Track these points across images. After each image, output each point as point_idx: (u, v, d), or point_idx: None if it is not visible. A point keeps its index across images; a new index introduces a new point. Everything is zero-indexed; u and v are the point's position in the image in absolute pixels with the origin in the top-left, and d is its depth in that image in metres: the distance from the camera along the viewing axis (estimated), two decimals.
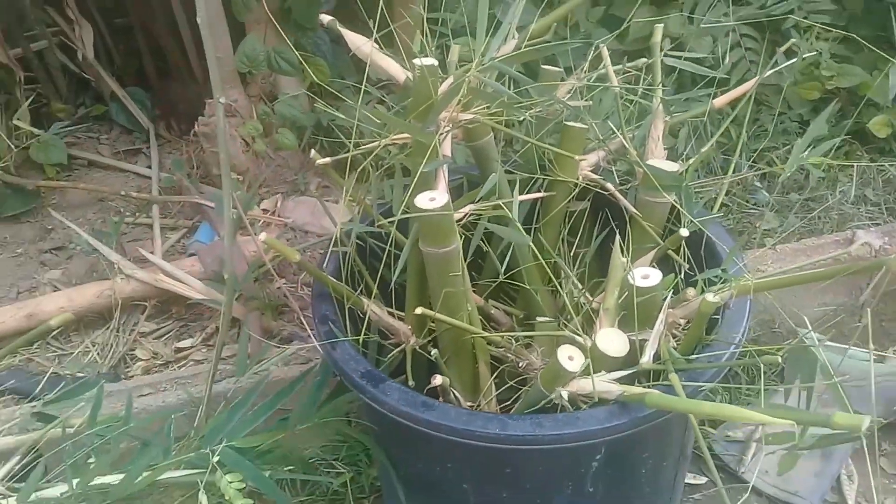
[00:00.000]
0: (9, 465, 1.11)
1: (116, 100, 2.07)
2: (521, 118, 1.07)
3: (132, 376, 1.53)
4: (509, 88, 1.23)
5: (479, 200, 1.07)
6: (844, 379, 0.83)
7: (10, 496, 1.09)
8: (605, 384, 0.90)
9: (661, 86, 1.17)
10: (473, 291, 1.19)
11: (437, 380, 0.95)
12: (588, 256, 1.17)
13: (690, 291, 0.94)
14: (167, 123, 2.12)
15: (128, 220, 1.83)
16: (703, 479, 1.46)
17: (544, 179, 1.14)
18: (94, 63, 1.99)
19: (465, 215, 1.04)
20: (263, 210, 1.79)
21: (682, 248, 1.06)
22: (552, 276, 1.15)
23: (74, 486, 0.98)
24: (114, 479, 1.03)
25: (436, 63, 0.95)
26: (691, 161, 1.10)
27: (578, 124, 1.12)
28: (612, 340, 0.94)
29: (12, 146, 1.84)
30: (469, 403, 1.12)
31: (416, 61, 0.95)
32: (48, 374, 1.44)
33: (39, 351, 1.57)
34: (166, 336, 1.60)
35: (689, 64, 1.22)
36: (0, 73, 1.94)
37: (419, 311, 0.99)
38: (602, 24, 1.92)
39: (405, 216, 0.97)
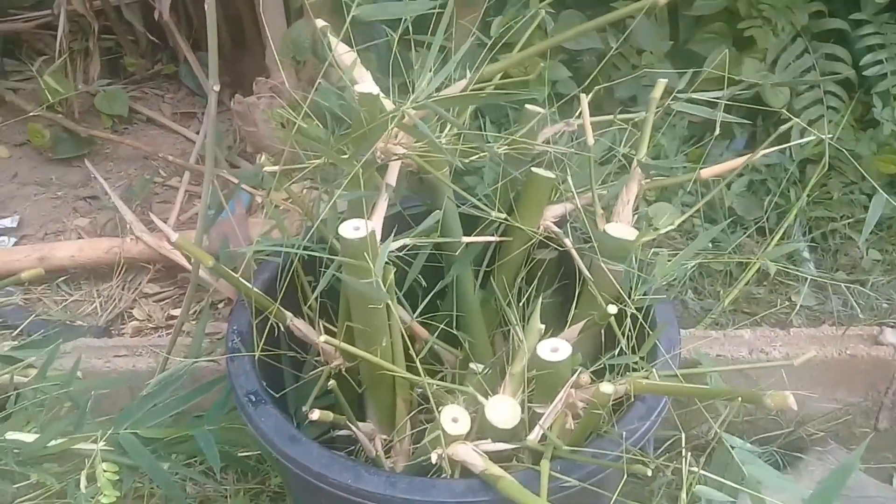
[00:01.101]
0: None
1: (187, 62, 2.13)
2: (473, 158, 1.02)
3: (123, 334, 1.60)
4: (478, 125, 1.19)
5: (420, 236, 1.04)
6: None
7: None
8: (472, 454, 0.85)
9: (647, 145, 1.09)
10: (423, 324, 1.16)
11: (315, 414, 0.93)
12: (531, 309, 1.12)
13: (584, 378, 0.87)
14: (232, 93, 2.16)
15: (165, 183, 1.89)
16: None
17: (500, 224, 1.09)
18: (169, 23, 2.06)
19: (398, 249, 1.02)
20: (289, 197, 1.80)
21: (625, 326, 0.99)
22: (503, 321, 1.11)
23: None
24: (26, 437, 1.07)
25: (375, 92, 0.92)
26: (659, 230, 1.02)
27: (545, 172, 1.07)
28: (500, 410, 0.89)
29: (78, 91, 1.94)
30: (383, 437, 1.10)
31: (357, 87, 0.93)
32: (30, 318, 1.52)
33: (49, 293, 1.66)
34: (165, 301, 1.65)
35: (702, 109, 1.12)
36: (82, 22, 2.04)
37: (323, 338, 0.97)
38: (668, 58, 1.82)
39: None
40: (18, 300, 1.61)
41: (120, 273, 1.66)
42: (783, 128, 1.08)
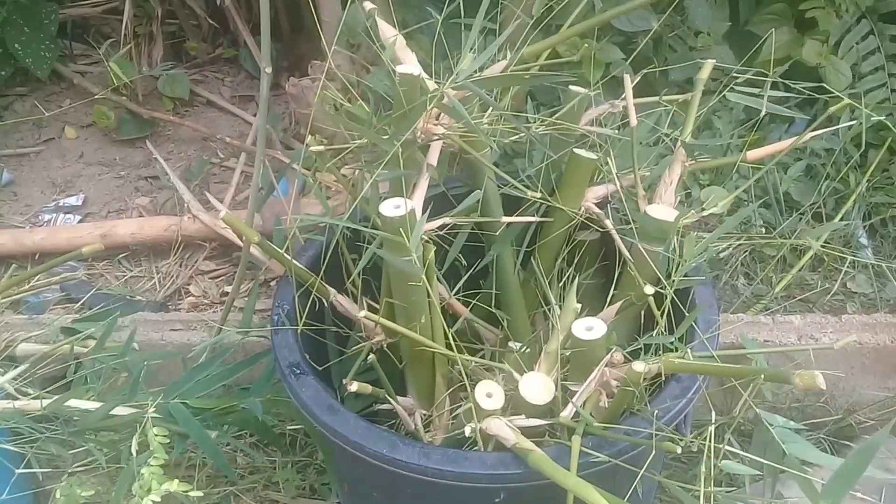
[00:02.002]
0: (21, 368, 1.23)
1: (246, 47, 2.18)
2: (515, 138, 1.03)
3: (180, 309, 1.65)
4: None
5: (460, 215, 1.05)
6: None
7: (15, 398, 1.22)
8: (504, 429, 0.87)
9: (693, 126, 1.08)
10: (465, 303, 1.18)
11: (353, 386, 0.96)
12: (568, 289, 1.12)
13: (618, 356, 0.88)
14: (289, 76, 2.20)
15: (223, 164, 1.94)
16: None
17: (542, 205, 1.09)
18: (229, 8, 2.11)
19: (438, 228, 1.03)
20: (334, 180, 1.84)
21: (664, 307, 0.99)
22: (543, 302, 1.12)
23: (43, 406, 1.08)
24: (88, 404, 1.12)
25: (416, 73, 0.93)
26: (688, 213, 1.01)
27: (587, 153, 1.07)
28: (534, 386, 0.90)
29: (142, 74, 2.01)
30: (423, 412, 1.12)
31: (398, 68, 0.94)
32: (91, 292, 1.58)
33: (111, 268, 1.73)
34: (220, 278, 1.70)
35: (751, 100, 1.11)
36: (147, 7, 2.10)
37: (363, 313, 0.99)
38: (727, 40, 1.78)
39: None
40: (82, 275, 1.68)
41: (178, 250, 1.71)
42: (833, 109, 1.05)
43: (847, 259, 1.65)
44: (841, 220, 1.67)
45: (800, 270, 1.58)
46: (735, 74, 1.08)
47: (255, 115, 2.05)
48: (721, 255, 1.61)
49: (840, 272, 1.63)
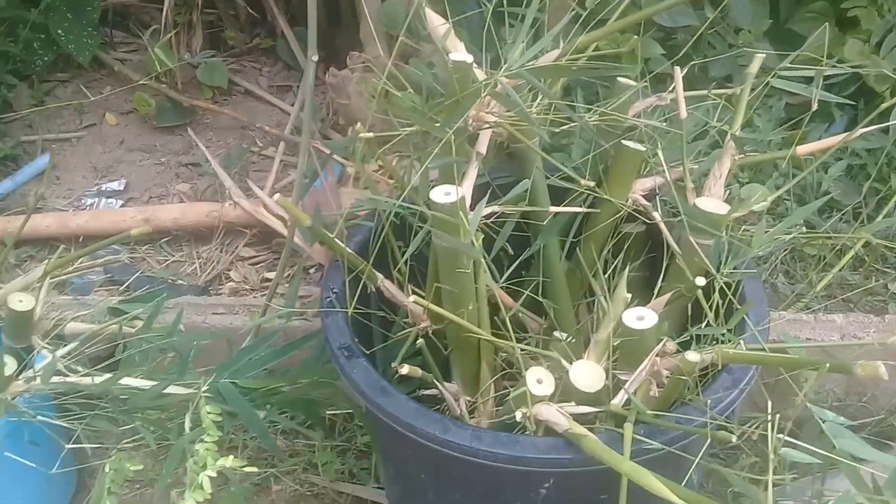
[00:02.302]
0: (70, 346, 1.26)
1: (284, 37, 2.20)
2: (564, 127, 1.03)
3: (220, 294, 1.67)
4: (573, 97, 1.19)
5: (510, 204, 1.06)
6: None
7: (65, 375, 1.24)
8: (556, 414, 0.88)
9: (742, 119, 1.08)
10: (509, 293, 1.19)
11: (405, 368, 0.97)
12: (618, 279, 1.13)
13: (670, 345, 0.88)
14: (325, 68, 2.22)
15: (261, 152, 1.97)
16: None
17: (588, 195, 1.10)
18: None
19: (486, 216, 1.04)
20: (380, 166, 1.85)
21: (713, 300, 1.00)
22: (587, 292, 1.13)
23: (95, 382, 1.10)
24: (139, 383, 1.14)
25: (469, 60, 0.94)
26: (740, 206, 1.02)
27: (635, 145, 1.08)
28: (585, 374, 0.91)
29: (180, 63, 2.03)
30: (467, 398, 1.13)
31: (451, 56, 0.95)
32: (136, 275, 1.60)
33: (153, 253, 1.75)
34: (260, 264, 1.72)
35: (802, 87, 1.10)
36: None
37: (413, 298, 1.01)
38: (766, 37, 1.78)
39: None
40: (125, 258, 1.70)
41: (219, 236, 1.74)
42: (884, 105, 1.05)
43: (889, 259, 1.65)
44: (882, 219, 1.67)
45: (840, 270, 1.57)
46: (781, 68, 1.08)
47: (292, 105, 2.07)
48: (760, 253, 1.61)
49: (882, 273, 1.63)
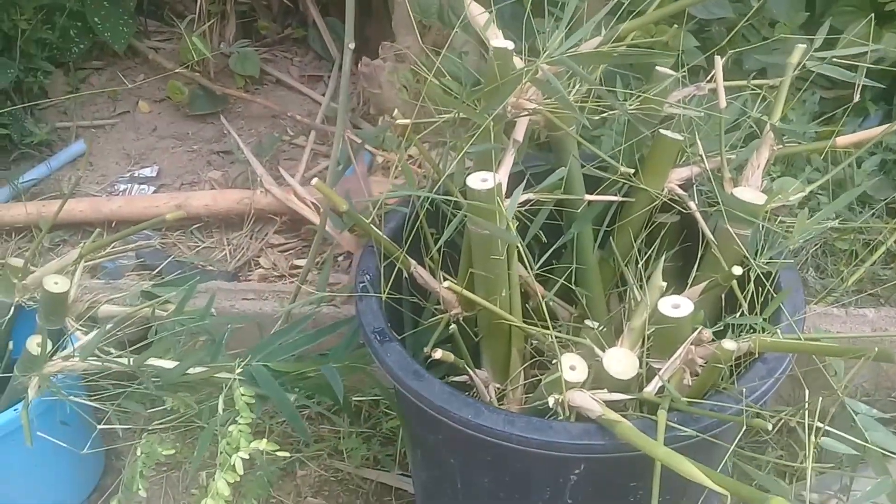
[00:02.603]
0: (105, 328, 1.27)
1: (315, 27, 2.21)
2: (603, 115, 1.03)
3: (250, 280, 1.69)
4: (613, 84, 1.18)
5: (546, 192, 1.06)
6: None
7: (99, 357, 1.25)
8: (589, 400, 0.88)
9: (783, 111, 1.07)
10: (539, 281, 1.19)
11: (438, 353, 0.97)
12: (652, 268, 1.12)
13: (706, 333, 0.88)
14: (357, 58, 2.23)
15: (292, 141, 1.98)
16: None
17: (624, 184, 1.10)
18: None
19: (521, 203, 1.04)
20: (409, 156, 1.86)
21: (748, 290, 0.99)
22: (619, 282, 1.12)
23: (129, 362, 1.12)
24: (167, 363, 1.15)
25: (510, 47, 0.94)
26: (778, 197, 1.01)
27: (673, 134, 1.07)
28: (619, 361, 0.91)
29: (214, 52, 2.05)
30: (497, 385, 1.13)
31: (492, 42, 0.95)
32: (168, 260, 1.62)
33: (184, 239, 1.77)
34: (289, 252, 1.73)
35: (840, 72, 1.08)
36: None
37: (446, 284, 1.01)
38: (802, 31, 1.76)
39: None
40: (156, 244, 1.72)
41: (249, 223, 1.75)
42: None
43: None
44: None
45: (872, 265, 1.56)
46: (819, 54, 1.06)
47: (323, 95, 2.08)
48: (798, 244, 1.60)
49: None
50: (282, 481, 1.45)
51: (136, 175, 1.91)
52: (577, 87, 1.07)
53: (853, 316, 1.37)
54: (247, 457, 0.96)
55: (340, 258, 1.69)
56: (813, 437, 0.70)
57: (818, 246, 1.61)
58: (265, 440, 0.97)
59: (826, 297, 1.49)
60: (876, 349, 0.69)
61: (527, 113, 0.98)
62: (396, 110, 1.12)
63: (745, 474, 1.12)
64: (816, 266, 1.59)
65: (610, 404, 0.90)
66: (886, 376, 1.39)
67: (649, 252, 1.13)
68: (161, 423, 1.31)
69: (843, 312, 1.38)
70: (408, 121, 1.09)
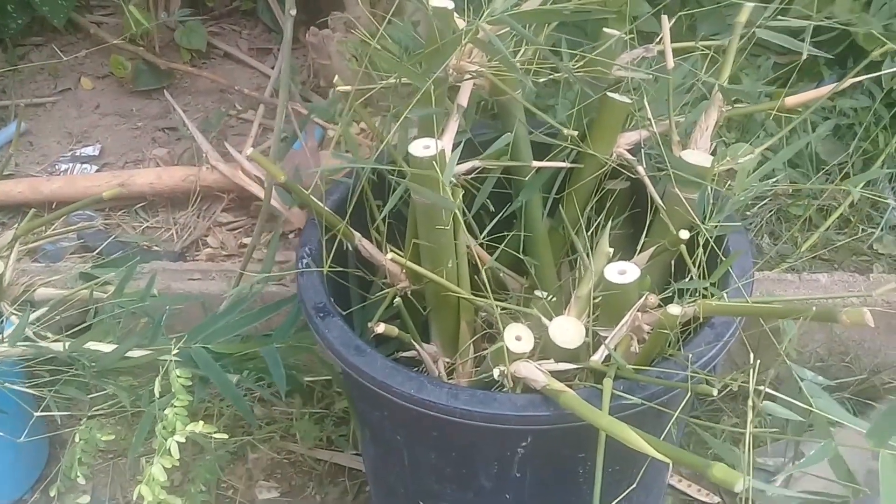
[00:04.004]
0: (40, 312, 1.22)
1: None
2: (549, 77, 1.00)
3: (197, 260, 1.64)
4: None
5: (493, 159, 1.03)
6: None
7: (35, 341, 1.20)
8: (534, 371, 0.85)
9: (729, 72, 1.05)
10: (491, 253, 1.16)
11: (380, 327, 0.94)
12: (600, 234, 1.10)
13: (652, 299, 0.86)
14: (306, 30, 2.17)
15: (240, 116, 1.92)
16: (715, 499, 1.37)
17: (572, 151, 1.07)
18: None
19: (466, 171, 1.01)
20: (361, 130, 1.81)
21: (697, 254, 0.97)
22: (570, 250, 1.10)
23: (64, 347, 1.07)
24: (105, 347, 1.11)
25: (450, 7, 0.91)
26: (726, 157, 0.99)
27: (620, 97, 1.04)
28: (565, 330, 0.88)
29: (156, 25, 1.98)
30: (446, 360, 1.11)
31: (431, 2, 0.92)
32: (108, 240, 1.57)
33: (128, 219, 1.71)
34: (238, 230, 1.69)
35: (784, 38, 1.06)
36: None
37: (390, 256, 0.98)
38: None
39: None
40: (99, 224, 1.66)
41: (195, 202, 1.70)
42: (876, 52, 1.02)
43: (874, 219, 1.63)
44: (868, 182, 1.64)
45: (826, 230, 1.55)
46: (768, 18, 1.04)
47: (272, 68, 2.02)
48: (746, 214, 1.59)
49: (868, 234, 1.61)
50: (233, 465, 1.42)
51: (78, 154, 1.85)
52: (522, 50, 1.04)
53: (806, 281, 1.37)
54: (183, 440, 0.92)
55: (291, 235, 1.64)
56: (754, 402, 0.68)
57: (772, 213, 1.60)
58: (202, 423, 0.94)
59: (781, 263, 1.49)
60: (814, 308, 0.67)
61: (469, 76, 0.95)
62: (337, 77, 1.08)
63: (703, 443, 1.11)
64: (771, 232, 1.58)
65: (559, 375, 0.88)
66: (840, 341, 1.39)
67: (599, 219, 1.11)
68: (101, 409, 1.27)
69: (796, 278, 1.37)
70: (349, 87, 1.05)
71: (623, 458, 0.93)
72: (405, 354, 1.09)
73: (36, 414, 1.17)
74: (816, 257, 1.55)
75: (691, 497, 1.36)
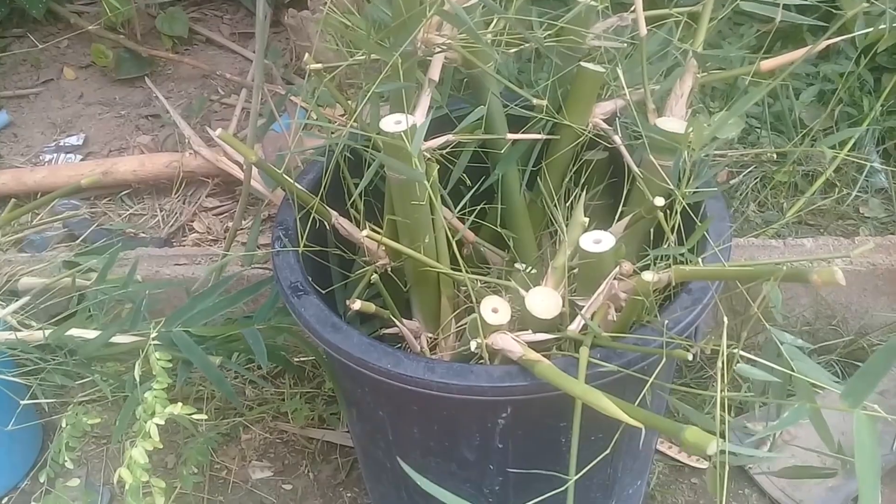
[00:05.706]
0: (23, 301, 1.22)
1: None
2: (520, 47, 0.99)
3: (184, 245, 1.64)
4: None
5: (468, 132, 1.03)
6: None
7: (18, 330, 1.21)
8: (511, 342, 0.85)
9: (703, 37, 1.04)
10: (472, 228, 1.16)
11: (357, 304, 0.94)
12: (576, 204, 1.09)
13: (627, 266, 0.86)
14: (286, 11, 2.16)
15: (223, 101, 1.91)
16: (706, 464, 1.37)
17: (548, 122, 1.06)
18: None
19: (440, 145, 1.01)
20: (341, 114, 1.80)
21: (674, 221, 0.97)
22: (549, 222, 1.10)
23: (46, 336, 1.07)
24: (88, 333, 1.11)
25: None
26: (699, 123, 0.98)
27: (595, 66, 1.04)
28: (541, 300, 0.88)
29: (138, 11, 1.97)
30: (429, 335, 1.11)
31: None
32: (92, 227, 1.57)
33: (113, 206, 1.71)
34: (224, 215, 1.69)
35: (763, 6, 1.05)
36: None
37: (365, 232, 0.97)
38: None
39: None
40: (84, 213, 1.66)
41: (180, 188, 1.70)
42: (851, 13, 1.00)
43: (860, 183, 1.62)
44: (854, 143, 1.63)
45: (812, 195, 1.55)
46: None
47: (254, 52, 2.01)
48: (732, 182, 1.58)
49: (853, 198, 1.60)
50: (226, 446, 1.42)
51: (62, 144, 1.84)
52: (495, 21, 1.03)
53: (791, 246, 1.37)
54: (162, 423, 0.92)
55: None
56: (724, 364, 0.68)
57: (758, 180, 1.60)
58: (181, 404, 0.94)
59: (766, 231, 1.48)
60: (784, 268, 0.67)
61: (438, 49, 0.94)
62: (307, 55, 1.07)
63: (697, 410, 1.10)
64: (756, 200, 1.57)
65: (537, 346, 0.88)
66: (826, 304, 1.38)
67: (577, 191, 1.10)
68: (89, 395, 1.28)
69: (780, 244, 1.37)
70: (319, 66, 1.05)
71: (605, 427, 0.93)
72: (388, 331, 1.09)
73: (22, 402, 1.18)
74: (802, 223, 1.55)
75: (682, 462, 1.37)
